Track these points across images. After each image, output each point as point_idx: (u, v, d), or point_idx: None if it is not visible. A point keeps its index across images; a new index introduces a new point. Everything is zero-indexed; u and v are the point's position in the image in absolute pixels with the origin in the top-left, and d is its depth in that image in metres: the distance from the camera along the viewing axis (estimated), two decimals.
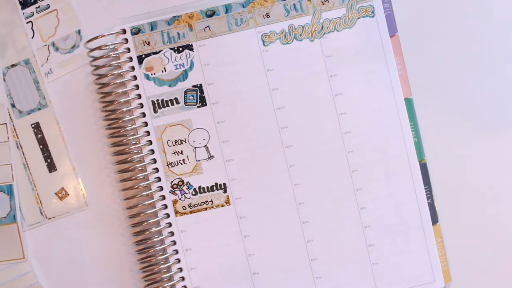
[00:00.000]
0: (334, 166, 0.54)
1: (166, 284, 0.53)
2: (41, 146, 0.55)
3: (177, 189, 0.54)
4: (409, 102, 0.54)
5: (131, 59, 0.53)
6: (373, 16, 0.53)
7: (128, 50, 0.53)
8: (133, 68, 0.53)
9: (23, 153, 0.55)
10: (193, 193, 0.54)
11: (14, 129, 0.55)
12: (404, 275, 0.54)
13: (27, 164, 0.55)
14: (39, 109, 0.55)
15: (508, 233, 0.55)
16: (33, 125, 0.55)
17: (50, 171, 0.55)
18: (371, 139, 0.54)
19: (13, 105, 0.55)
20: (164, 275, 0.53)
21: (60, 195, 0.55)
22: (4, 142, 0.54)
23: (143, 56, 0.53)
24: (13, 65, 0.55)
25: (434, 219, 0.54)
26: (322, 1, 0.53)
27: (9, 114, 0.54)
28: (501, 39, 0.55)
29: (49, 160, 0.55)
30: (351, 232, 0.54)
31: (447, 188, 0.55)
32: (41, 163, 0.55)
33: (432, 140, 0.55)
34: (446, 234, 0.54)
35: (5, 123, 0.54)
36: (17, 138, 0.55)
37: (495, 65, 0.55)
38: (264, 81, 0.53)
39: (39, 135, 0.55)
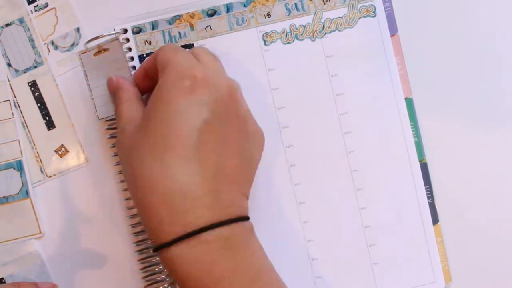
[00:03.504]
0: (335, 166, 0.54)
1: (167, 285, 0.53)
2: (38, 104, 0.55)
3: None
4: (409, 102, 0.54)
5: (132, 58, 0.53)
6: (374, 16, 0.53)
7: (129, 49, 0.53)
8: (134, 68, 0.53)
9: (21, 112, 0.54)
10: None
11: (11, 89, 0.54)
12: (404, 275, 0.54)
13: (25, 123, 0.54)
14: (35, 67, 0.54)
15: (509, 233, 0.55)
16: (29, 83, 0.54)
17: (48, 128, 0.55)
18: (371, 139, 0.54)
19: (9, 64, 0.54)
20: (165, 275, 0.53)
21: (60, 152, 0.54)
22: (9, 118, 0.54)
23: (144, 55, 0.53)
24: (7, 24, 0.54)
25: (435, 219, 0.54)
26: (323, 1, 0.53)
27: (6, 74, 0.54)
28: (502, 38, 0.55)
29: (47, 118, 0.55)
30: (351, 232, 0.54)
31: (448, 188, 0.55)
32: (39, 121, 0.55)
33: (433, 140, 0.55)
34: (446, 234, 0.54)
35: (8, 100, 0.54)
36: (15, 97, 0.54)
37: (496, 65, 0.55)
38: (265, 81, 0.53)
39: (36, 93, 0.54)
